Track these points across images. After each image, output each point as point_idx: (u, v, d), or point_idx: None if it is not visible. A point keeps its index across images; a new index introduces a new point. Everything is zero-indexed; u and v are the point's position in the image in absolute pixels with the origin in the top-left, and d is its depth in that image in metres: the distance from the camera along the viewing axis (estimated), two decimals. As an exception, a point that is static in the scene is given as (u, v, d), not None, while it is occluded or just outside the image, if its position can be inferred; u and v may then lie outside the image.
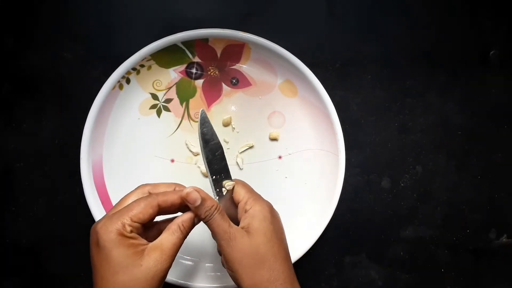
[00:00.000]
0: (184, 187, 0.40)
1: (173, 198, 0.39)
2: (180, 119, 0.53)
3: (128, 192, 0.40)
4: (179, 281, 0.50)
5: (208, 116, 0.53)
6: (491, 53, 0.55)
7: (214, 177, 0.43)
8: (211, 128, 0.43)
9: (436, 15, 0.55)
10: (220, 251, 0.40)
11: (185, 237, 0.38)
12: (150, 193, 0.40)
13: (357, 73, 0.54)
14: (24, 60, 0.53)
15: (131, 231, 0.36)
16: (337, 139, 0.50)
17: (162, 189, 0.40)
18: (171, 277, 0.50)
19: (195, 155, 0.53)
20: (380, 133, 0.55)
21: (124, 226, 0.36)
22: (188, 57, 0.52)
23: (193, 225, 0.39)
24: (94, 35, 0.53)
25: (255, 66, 0.52)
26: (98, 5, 0.53)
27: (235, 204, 0.43)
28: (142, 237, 0.37)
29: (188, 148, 0.53)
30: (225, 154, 0.43)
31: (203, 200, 0.38)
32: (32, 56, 0.53)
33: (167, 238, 0.37)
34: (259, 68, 0.52)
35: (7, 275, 0.53)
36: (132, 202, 0.38)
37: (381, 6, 0.55)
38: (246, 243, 0.38)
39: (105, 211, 0.50)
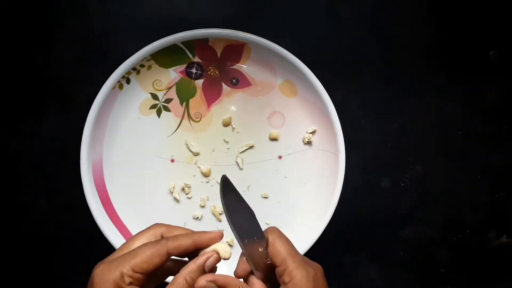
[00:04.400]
0: (202, 233, 0.35)
1: (187, 244, 0.34)
2: (180, 119, 0.53)
3: (139, 232, 0.36)
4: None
5: (208, 116, 0.53)
6: (491, 53, 0.55)
7: (246, 241, 0.35)
8: (239, 194, 0.37)
9: (436, 15, 0.55)
10: None
11: None
12: (161, 237, 0.35)
13: (357, 73, 0.54)
14: (24, 60, 0.53)
15: (130, 283, 0.32)
16: (337, 139, 0.50)
17: (176, 233, 0.35)
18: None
19: (195, 155, 0.53)
20: (380, 133, 0.55)
21: (123, 277, 0.31)
22: (188, 57, 0.52)
23: (203, 273, 0.34)
24: (94, 35, 0.53)
25: (255, 66, 0.52)
26: (98, 5, 0.53)
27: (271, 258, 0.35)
28: (145, 282, 0.34)
29: (188, 148, 0.53)
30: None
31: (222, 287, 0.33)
32: (32, 56, 0.53)
33: None
34: (259, 68, 0.52)
35: (8, 275, 0.53)
36: (138, 247, 0.33)
37: (381, 6, 0.55)
38: None
39: (105, 211, 0.50)
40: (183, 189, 0.53)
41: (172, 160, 0.53)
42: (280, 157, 0.53)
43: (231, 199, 0.36)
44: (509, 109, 0.56)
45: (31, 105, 0.53)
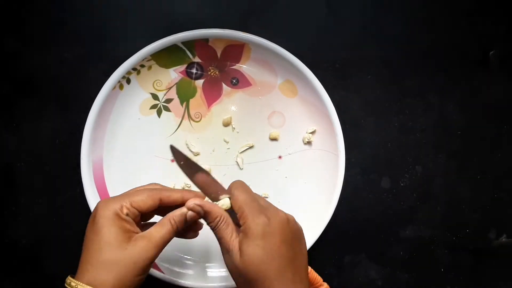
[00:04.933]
0: (194, 193, 0.42)
1: (176, 196, 0.40)
2: (180, 119, 0.53)
3: (139, 186, 0.42)
4: (179, 280, 0.50)
5: (208, 116, 0.53)
6: (491, 53, 0.55)
7: (212, 195, 0.42)
8: (187, 158, 0.42)
9: (436, 15, 0.55)
10: None
11: (175, 231, 0.39)
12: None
13: (357, 73, 0.55)
14: (24, 60, 0.53)
15: (127, 214, 0.38)
16: (337, 139, 0.50)
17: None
18: (171, 277, 0.50)
19: (195, 155, 0.53)
20: (380, 133, 0.55)
21: (122, 207, 0.38)
22: (188, 57, 0.52)
23: (184, 221, 0.39)
24: (94, 35, 0.53)
25: (255, 66, 0.52)
26: (98, 5, 0.53)
27: None
28: (138, 221, 0.40)
29: (188, 148, 0.53)
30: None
31: (207, 213, 0.39)
32: (32, 56, 0.53)
33: (156, 229, 0.39)
34: (259, 68, 0.52)
35: (7, 275, 0.53)
36: (137, 190, 0.41)
37: (381, 6, 0.55)
38: (239, 263, 0.37)
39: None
40: (183, 189, 0.53)
41: (172, 160, 0.53)
42: (280, 157, 0.53)
43: (187, 165, 0.42)
44: (509, 109, 0.56)
45: (31, 105, 0.53)
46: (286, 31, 0.53)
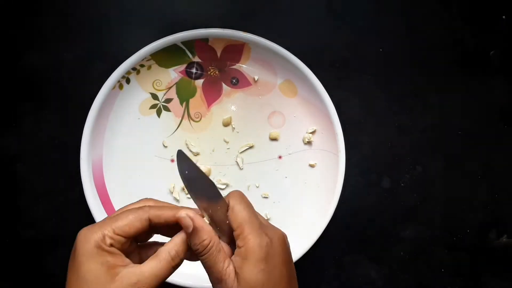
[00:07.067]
0: (185, 208, 0.35)
1: (168, 215, 0.33)
2: (180, 119, 0.53)
3: (129, 203, 0.36)
4: (179, 280, 0.50)
5: (208, 116, 0.53)
6: (491, 53, 0.55)
7: (207, 205, 0.35)
8: (196, 166, 0.35)
9: (436, 15, 0.55)
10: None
11: (175, 266, 0.33)
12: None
13: (357, 73, 0.54)
14: (24, 60, 0.53)
15: (111, 245, 0.32)
16: (337, 139, 0.50)
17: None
18: (170, 277, 0.50)
19: (195, 155, 0.53)
20: (380, 133, 0.55)
21: (104, 237, 0.31)
22: (188, 57, 0.52)
23: (187, 249, 0.34)
24: (94, 35, 0.53)
25: (255, 66, 0.52)
26: (98, 5, 0.53)
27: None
28: (134, 256, 0.34)
29: (188, 148, 0.53)
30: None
31: (196, 229, 0.32)
32: (32, 56, 0.53)
33: (150, 265, 0.32)
34: (259, 68, 0.52)
35: (7, 275, 0.53)
36: (121, 212, 0.34)
37: (381, 6, 0.55)
38: None
39: (105, 211, 0.50)
40: (183, 189, 0.53)
41: (172, 160, 0.53)
42: (280, 157, 0.53)
43: (190, 170, 0.35)
44: (509, 109, 0.56)
45: (31, 105, 0.53)
46: (286, 31, 0.53)
